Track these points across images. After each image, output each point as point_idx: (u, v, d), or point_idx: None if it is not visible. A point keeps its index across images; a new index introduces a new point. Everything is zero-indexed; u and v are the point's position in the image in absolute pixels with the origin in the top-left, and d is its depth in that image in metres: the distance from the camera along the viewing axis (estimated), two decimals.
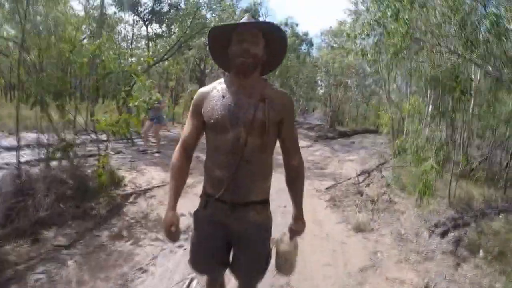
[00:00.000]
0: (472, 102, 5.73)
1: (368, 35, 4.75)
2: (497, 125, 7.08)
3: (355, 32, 5.04)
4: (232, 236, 1.58)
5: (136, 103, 4.00)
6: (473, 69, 5.33)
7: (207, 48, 1.60)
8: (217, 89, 1.52)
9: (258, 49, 1.43)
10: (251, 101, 1.44)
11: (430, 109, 7.17)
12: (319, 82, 21.24)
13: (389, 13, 4.16)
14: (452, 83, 5.07)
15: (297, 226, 1.63)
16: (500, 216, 5.15)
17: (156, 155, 7.07)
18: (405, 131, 9.14)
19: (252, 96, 1.45)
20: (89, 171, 4.01)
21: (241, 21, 1.48)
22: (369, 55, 5.46)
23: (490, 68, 4.28)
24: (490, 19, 2.94)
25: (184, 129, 1.59)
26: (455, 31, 4.33)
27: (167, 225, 1.44)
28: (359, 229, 4.23)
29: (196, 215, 1.62)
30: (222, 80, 1.57)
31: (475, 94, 5.41)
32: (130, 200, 4.22)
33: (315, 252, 3.51)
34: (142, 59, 5.11)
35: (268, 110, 1.43)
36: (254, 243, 1.58)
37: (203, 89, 1.58)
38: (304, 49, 17.82)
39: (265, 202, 1.59)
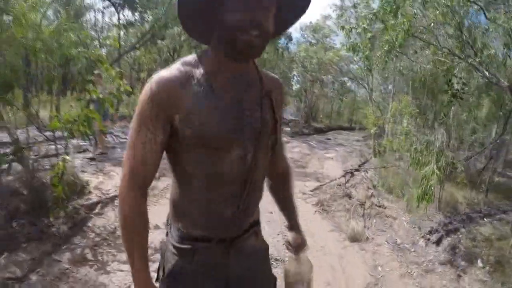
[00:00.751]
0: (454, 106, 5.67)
1: (365, 29, 4.45)
2: (476, 128, 7.16)
3: (350, 26, 4.72)
4: (231, 280, 1.08)
5: (100, 95, 3.36)
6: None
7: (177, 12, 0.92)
8: (196, 77, 0.90)
9: (270, 21, 0.89)
10: (253, 96, 0.95)
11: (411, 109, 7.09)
12: (295, 77, 21.06)
13: (388, 9, 3.87)
14: (444, 86, 4.94)
15: (300, 238, 1.23)
16: (485, 220, 5.13)
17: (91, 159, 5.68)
18: (387, 131, 9.09)
19: (251, 87, 0.96)
20: (48, 177, 3.36)
21: None
22: (360, 52, 5.17)
23: (487, 73, 4.15)
24: None
25: (132, 153, 0.90)
26: (454, 33, 4.17)
27: None
28: (354, 238, 3.95)
29: (177, 277, 1.03)
30: (194, 59, 0.93)
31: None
32: (96, 210, 3.62)
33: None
34: (108, 41, 4.43)
35: (277, 108, 1.02)
36: (261, 275, 1.15)
37: (168, 76, 0.89)
38: (283, 43, 17.45)
39: (259, 220, 1.17)
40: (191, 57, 0.94)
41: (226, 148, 0.91)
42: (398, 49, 4.88)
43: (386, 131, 9.18)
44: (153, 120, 0.88)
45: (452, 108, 5.58)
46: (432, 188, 3.44)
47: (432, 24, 3.95)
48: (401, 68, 6.28)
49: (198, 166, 0.93)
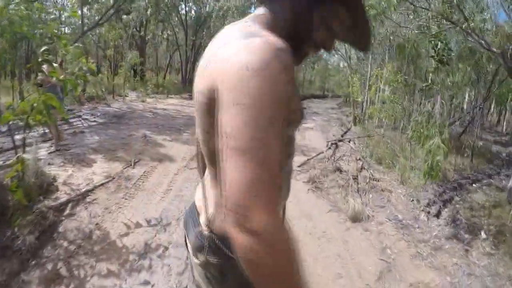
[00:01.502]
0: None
1: None
2: (455, 93, 7.17)
3: None
4: None
5: (61, 77, 2.79)
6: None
7: None
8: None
9: None
10: None
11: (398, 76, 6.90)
12: None
13: None
14: (429, 52, 4.75)
15: None
16: (475, 186, 5.17)
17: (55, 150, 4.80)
18: (366, 98, 8.94)
19: None
20: (7, 179, 2.75)
21: None
22: None
23: (477, 38, 4.00)
24: None
25: (268, 160, 0.55)
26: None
27: None
28: (355, 218, 3.74)
29: None
30: (263, 28, 0.67)
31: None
32: (67, 211, 3.08)
33: (317, 260, 2.90)
34: (66, 13, 3.70)
35: None
36: None
37: (284, 43, 0.61)
38: (253, 11, 16.63)
39: None
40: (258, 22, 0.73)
41: None
42: (384, 14, 4.55)
43: (366, 98, 9.04)
44: (289, 100, 0.59)
45: (431, 74, 5.45)
46: (440, 163, 3.25)
47: None
48: (388, 33, 5.99)
49: (286, 152, 0.80)
